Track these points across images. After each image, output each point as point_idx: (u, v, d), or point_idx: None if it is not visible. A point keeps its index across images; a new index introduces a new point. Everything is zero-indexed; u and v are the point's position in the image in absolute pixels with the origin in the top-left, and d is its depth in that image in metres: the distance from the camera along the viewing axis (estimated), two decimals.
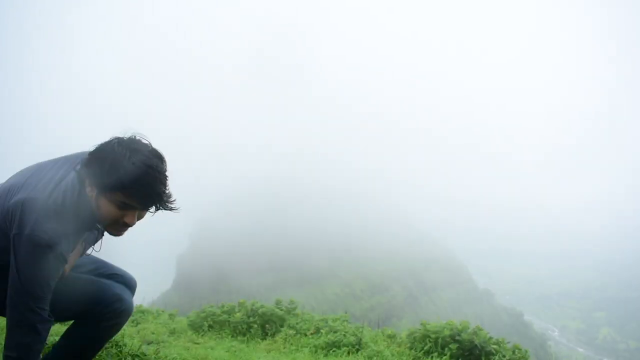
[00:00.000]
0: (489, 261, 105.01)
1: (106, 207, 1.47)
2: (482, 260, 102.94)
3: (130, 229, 1.57)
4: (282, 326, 6.00)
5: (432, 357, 4.72)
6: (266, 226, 61.88)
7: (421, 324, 5.24)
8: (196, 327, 6.29)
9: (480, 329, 4.89)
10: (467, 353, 4.65)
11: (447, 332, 4.83)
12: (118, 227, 1.55)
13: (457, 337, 4.77)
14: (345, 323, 5.81)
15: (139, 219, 1.55)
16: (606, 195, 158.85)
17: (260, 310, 6.20)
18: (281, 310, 6.48)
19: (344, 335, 5.10)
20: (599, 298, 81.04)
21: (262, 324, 6.04)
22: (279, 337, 5.54)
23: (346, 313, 6.27)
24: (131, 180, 1.42)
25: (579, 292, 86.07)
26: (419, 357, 4.81)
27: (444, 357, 4.62)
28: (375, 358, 4.63)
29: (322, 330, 5.39)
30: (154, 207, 1.53)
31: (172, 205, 1.55)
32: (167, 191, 1.51)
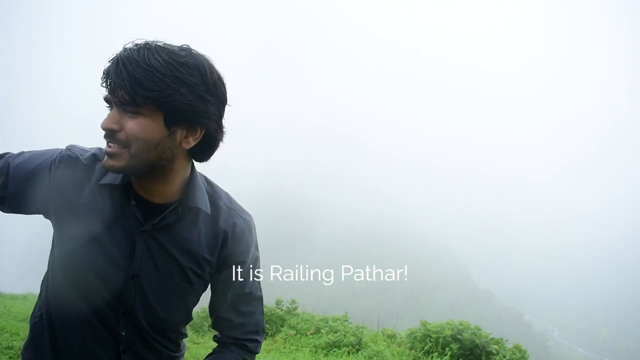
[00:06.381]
0: (489, 261, 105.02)
1: None
2: (482, 260, 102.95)
3: (118, 152, 0.99)
4: (282, 326, 6.00)
5: (432, 356, 4.71)
6: (268, 229, 61.94)
7: (421, 323, 5.24)
8: (196, 327, 6.30)
9: (480, 329, 4.90)
10: (467, 353, 4.65)
11: (447, 332, 4.83)
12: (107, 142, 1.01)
13: (458, 337, 4.77)
14: (346, 323, 5.81)
15: (117, 123, 0.97)
16: (607, 199, 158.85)
17: None
18: (281, 310, 6.49)
19: (344, 335, 5.10)
20: (600, 298, 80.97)
21: None
22: (279, 337, 5.55)
23: (346, 313, 6.26)
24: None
25: (580, 292, 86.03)
26: (419, 357, 4.81)
27: (445, 357, 4.61)
28: (375, 358, 4.63)
29: (322, 330, 5.39)
30: (116, 87, 0.95)
31: (146, 92, 0.93)
32: (142, 72, 0.93)
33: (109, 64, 0.97)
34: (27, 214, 1.12)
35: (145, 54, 0.95)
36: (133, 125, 0.96)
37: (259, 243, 1.33)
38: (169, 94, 0.95)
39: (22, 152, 1.13)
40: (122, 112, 0.97)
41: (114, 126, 0.97)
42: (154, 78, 0.93)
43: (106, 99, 1.00)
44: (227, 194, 1.23)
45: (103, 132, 1.00)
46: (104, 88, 0.99)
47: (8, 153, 1.12)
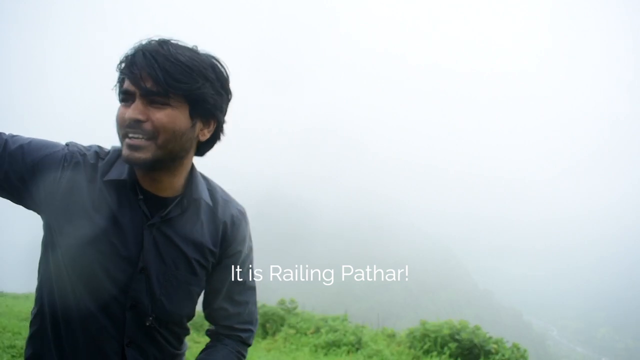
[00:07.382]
0: (489, 261, 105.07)
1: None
2: (482, 260, 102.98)
3: (143, 140, 0.98)
4: (282, 325, 6.03)
5: (431, 356, 4.74)
6: (268, 229, 61.94)
7: (420, 323, 5.27)
8: (197, 326, 6.32)
9: (479, 328, 4.92)
10: (466, 352, 4.68)
11: (446, 331, 4.86)
12: (123, 133, 0.99)
13: (456, 336, 4.79)
14: (345, 323, 5.83)
15: (143, 114, 0.97)
16: (607, 200, 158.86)
17: (261, 310, 6.23)
18: (282, 309, 6.51)
19: (344, 334, 5.13)
20: (598, 297, 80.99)
21: (263, 323, 6.07)
22: (279, 336, 5.57)
23: (346, 312, 6.29)
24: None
25: (578, 292, 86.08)
26: (419, 356, 4.84)
27: (443, 356, 4.64)
28: (374, 357, 4.66)
29: (322, 330, 5.42)
30: (145, 77, 0.96)
31: (171, 80, 0.96)
32: (166, 64, 0.96)
33: (129, 55, 0.98)
34: (13, 196, 1.05)
35: (169, 49, 0.98)
36: (162, 116, 0.98)
37: (256, 241, 1.37)
38: (198, 87, 1.00)
39: (18, 135, 1.06)
40: (147, 104, 0.98)
41: (141, 117, 0.97)
42: (183, 71, 0.97)
43: (126, 91, 0.98)
44: (221, 187, 1.26)
45: (126, 124, 0.97)
46: (126, 77, 0.97)
47: None
